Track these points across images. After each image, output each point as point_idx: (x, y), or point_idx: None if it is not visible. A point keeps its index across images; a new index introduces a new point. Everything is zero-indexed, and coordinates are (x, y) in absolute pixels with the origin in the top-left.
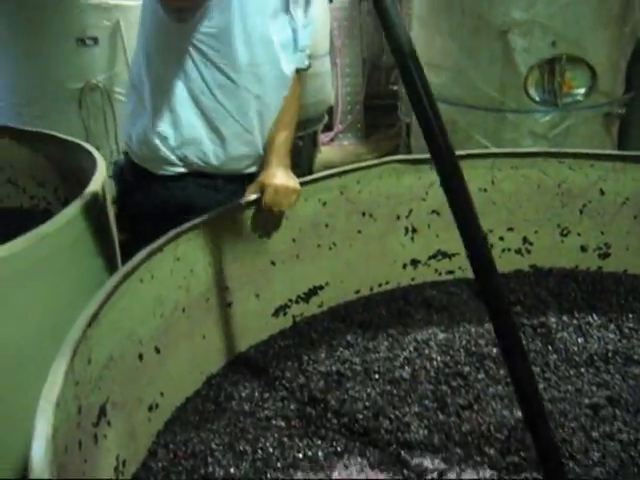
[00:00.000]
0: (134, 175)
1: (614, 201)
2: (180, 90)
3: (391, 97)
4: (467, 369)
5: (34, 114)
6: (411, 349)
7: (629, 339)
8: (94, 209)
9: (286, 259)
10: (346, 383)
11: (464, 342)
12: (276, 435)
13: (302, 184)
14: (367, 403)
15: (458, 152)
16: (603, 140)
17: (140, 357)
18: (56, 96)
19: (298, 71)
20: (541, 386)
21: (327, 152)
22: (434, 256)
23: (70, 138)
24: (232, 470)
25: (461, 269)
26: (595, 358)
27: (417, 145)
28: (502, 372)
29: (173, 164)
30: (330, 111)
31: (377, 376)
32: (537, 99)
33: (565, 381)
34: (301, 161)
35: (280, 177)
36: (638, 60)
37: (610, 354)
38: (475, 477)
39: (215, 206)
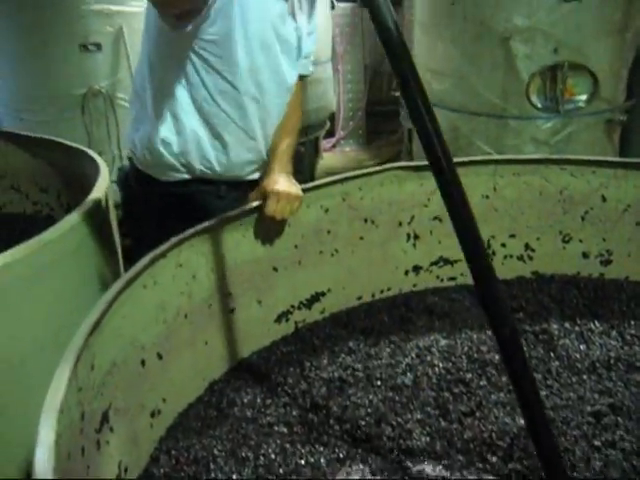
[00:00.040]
0: (138, 181)
1: (616, 208)
2: (182, 96)
3: (393, 103)
4: (469, 376)
5: (37, 120)
6: (413, 356)
7: (631, 346)
8: (97, 215)
9: (288, 265)
10: (348, 389)
11: (466, 349)
12: (278, 441)
13: (304, 191)
14: (369, 410)
15: (460, 159)
16: (605, 147)
17: (142, 363)
18: (59, 102)
19: (301, 78)
20: (543, 393)
21: (329, 158)
22: (436, 262)
23: (73, 144)
24: (234, 476)
25: (463, 275)
26: (597, 365)
27: (419, 151)
28: (504, 379)
29: (176, 170)
30: (332, 117)
31: (379, 382)
32: (539, 106)
33: (567, 388)
34: (303, 167)
35: (282, 184)
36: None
37: (612, 361)
38: None
39: (218, 212)
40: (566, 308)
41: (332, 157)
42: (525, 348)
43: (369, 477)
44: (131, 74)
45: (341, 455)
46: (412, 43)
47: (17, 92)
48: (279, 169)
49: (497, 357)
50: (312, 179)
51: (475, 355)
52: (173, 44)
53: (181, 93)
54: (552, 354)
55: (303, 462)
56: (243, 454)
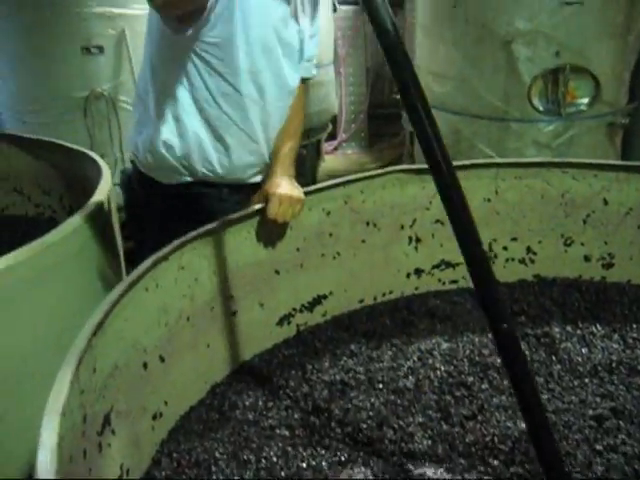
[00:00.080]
0: (141, 184)
1: (617, 211)
2: (185, 99)
3: (395, 106)
4: (471, 379)
5: (39, 122)
6: (415, 359)
7: (633, 349)
8: (99, 218)
9: (290, 268)
10: (350, 392)
11: (468, 352)
12: (280, 444)
13: (306, 194)
14: (371, 413)
15: (462, 162)
16: (606, 150)
17: (145, 366)
18: (61, 104)
19: (303, 80)
20: (545, 397)
21: (331, 161)
22: (438, 266)
23: (75, 146)
24: (236, 479)
25: (465, 279)
26: (599, 368)
27: (421, 154)
28: (506, 382)
29: (178, 173)
30: (334, 120)
31: (381, 386)
32: (541, 109)
33: (569, 392)
34: (305, 170)
35: (284, 187)
36: None
37: (614, 364)
38: None
39: (220, 215)
40: (568, 311)
41: (334, 160)
42: (527, 351)
43: None
44: (133, 77)
45: (343, 458)
46: (414, 46)
47: (19, 94)
48: (281, 172)
49: (499, 360)
50: (314, 182)
51: (477, 358)
52: (175, 47)
53: (183, 95)
54: (554, 357)
55: (305, 465)
56: (245, 457)
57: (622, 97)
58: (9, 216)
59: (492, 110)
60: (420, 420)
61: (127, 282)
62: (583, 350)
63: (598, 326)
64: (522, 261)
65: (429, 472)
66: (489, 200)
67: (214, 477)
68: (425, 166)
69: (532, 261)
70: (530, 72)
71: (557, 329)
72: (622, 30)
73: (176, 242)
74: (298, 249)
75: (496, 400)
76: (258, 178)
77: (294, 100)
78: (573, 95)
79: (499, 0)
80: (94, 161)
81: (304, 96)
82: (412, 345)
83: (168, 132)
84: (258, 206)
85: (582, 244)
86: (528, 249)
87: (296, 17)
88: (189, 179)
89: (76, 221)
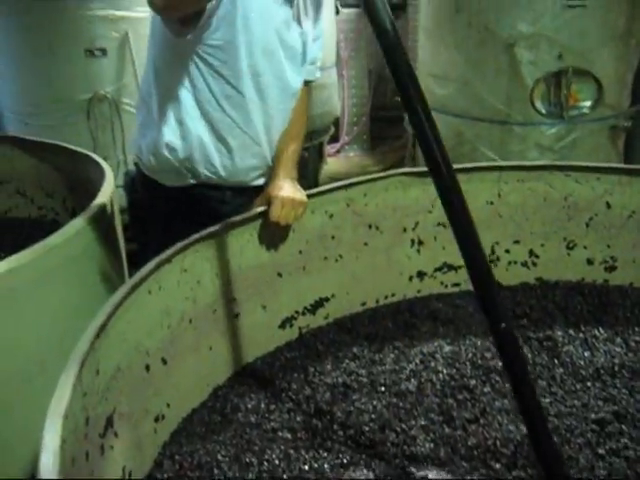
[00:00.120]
0: (144, 186)
1: (620, 214)
2: (188, 101)
3: (397, 109)
4: (473, 382)
5: (42, 124)
6: (417, 362)
7: (636, 353)
8: (102, 220)
9: (293, 271)
10: (352, 395)
11: (470, 355)
12: (282, 447)
13: (309, 196)
14: (373, 415)
15: (464, 165)
16: (609, 153)
17: (147, 368)
18: (64, 107)
19: (306, 83)
20: (547, 400)
21: (333, 163)
22: (440, 268)
23: (78, 149)
24: None
25: (467, 282)
26: (601, 372)
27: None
28: (508, 386)
29: (181, 175)
30: (336, 122)
31: (383, 388)
32: (543, 112)
33: (571, 395)
34: (307, 172)
35: (287, 189)
36: None
37: (617, 368)
38: None
39: (223, 218)
40: (570, 315)
41: (336, 162)
42: (529, 355)
43: None
44: (136, 79)
45: (345, 461)
46: (416, 49)
47: (23, 96)
48: (284, 175)
49: (501, 363)
50: (316, 184)
51: (479, 361)
52: (178, 49)
53: (186, 98)
54: (556, 361)
55: (307, 467)
56: (247, 459)
57: (625, 100)
58: (12, 218)
59: (494, 113)
60: (422, 423)
61: (130, 284)
62: (585, 353)
63: (601, 329)
64: (525, 264)
65: (431, 475)
66: (492, 203)
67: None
68: (427, 169)
69: (534, 264)
70: (532, 75)
71: (559, 332)
72: (624, 33)
73: (179, 244)
74: (300, 252)
75: (498, 403)
76: (261, 181)
77: (297, 103)
78: (576, 98)
79: (502, 3)
80: (97, 163)
81: (307, 99)
82: (414, 348)
83: (171, 134)
84: (261, 209)
85: (585, 247)
86: (531, 252)
87: (299, 20)
88: (192, 181)
89: (79, 223)
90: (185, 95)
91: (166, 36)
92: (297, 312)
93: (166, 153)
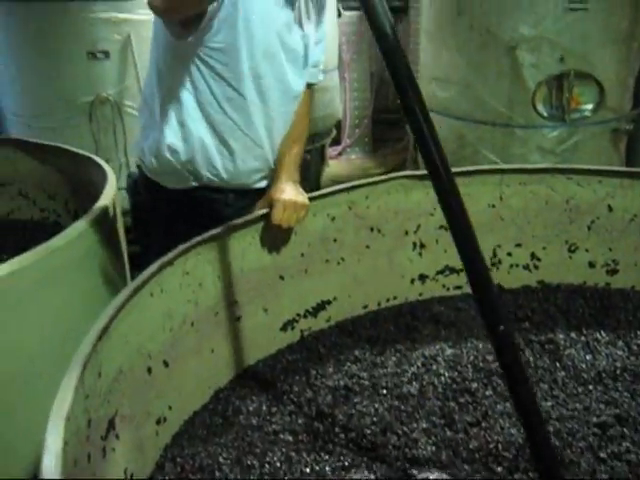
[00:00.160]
0: (147, 188)
1: (622, 217)
2: (189, 103)
3: (399, 111)
4: (475, 385)
5: (44, 127)
6: (419, 365)
7: (637, 356)
8: (104, 222)
9: (294, 274)
10: (354, 398)
11: (472, 358)
12: (284, 449)
13: (311, 199)
14: (375, 418)
15: (466, 168)
16: (611, 156)
17: (149, 371)
18: (66, 109)
19: (309, 86)
20: (549, 404)
21: (335, 166)
22: (442, 271)
23: (81, 151)
24: None
25: (469, 284)
26: (603, 375)
27: None
28: None
29: (183, 177)
30: (338, 125)
31: (385, 391)
32: (545, 115)
33: (573, 399)
34: (309, 175)
35: (289, 192)
36: None
37: (618, 371)
38: None
39: (225, 220)
40: (572, 318)
41: (338, 165)
42: (531, 358)
43: None
44: (138, 82)
45: (346, 463)
46: (418, 51)
47: (25, 99)
48: (286, 178)
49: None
50: (318, 187)
51: (481, 364)
52: (180, 52)
53: (188, 100)
54: (558, 364)
55: (308, 470)
56: (248, 462)
57: (626, 103)
58: (14, 220)
59: (496, 116)
60: (424, 426)
61: (132, 287)
62: (587, 357)
63: (602, 332)
64: (526, 267)
65: (432, 478)
66: (493, 206)
67: None
68: None
69: (536, 267)
70: (534, 78)
71: (561, 335)
72: (626, 36)
73: (181, 247)
74: (302, 254)
75: (500, 407)
76: (263, 183)
77: (299, 105)
78: (577, 101)
79: (503, 6)
80: (99, 166)
81: (309, 101)
82: (416, 351)
83: (173, 136)
84: (263, 211)
85: (586, 250)
86: (532, 255)
87: (300, 23)
88: (194, 184)
89: (81, 226)
90: (187, 97)
91: (168, 38)
92: (299, 315)
93: (168, 155)
